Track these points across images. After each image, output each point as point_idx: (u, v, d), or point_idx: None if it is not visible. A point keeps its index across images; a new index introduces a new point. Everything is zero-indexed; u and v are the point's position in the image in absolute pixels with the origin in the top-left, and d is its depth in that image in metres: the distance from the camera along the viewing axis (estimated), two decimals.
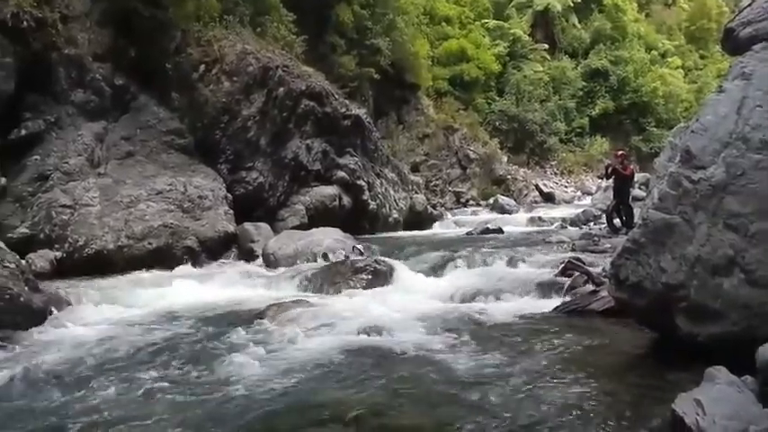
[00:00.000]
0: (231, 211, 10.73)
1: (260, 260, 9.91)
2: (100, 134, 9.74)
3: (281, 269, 9.00)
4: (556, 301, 6.30)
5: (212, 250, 10.05)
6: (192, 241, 9.69)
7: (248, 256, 10.27)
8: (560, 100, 35.70)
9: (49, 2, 9.32)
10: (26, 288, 5.66)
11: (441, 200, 22.27)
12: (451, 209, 21.79)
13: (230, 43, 12.19)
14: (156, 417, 3.51)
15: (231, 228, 10.48)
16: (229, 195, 11.05)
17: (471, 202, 23.75)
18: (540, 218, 17.13)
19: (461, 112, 27.56)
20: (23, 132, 8.88)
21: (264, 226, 11.13)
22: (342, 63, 18.73)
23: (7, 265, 5.57)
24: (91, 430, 3.38)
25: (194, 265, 9.49)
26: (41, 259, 8.09)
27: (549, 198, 26.50)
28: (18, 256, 6.22)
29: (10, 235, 7.92)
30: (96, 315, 6.22)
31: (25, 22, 8.71)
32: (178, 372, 4.34)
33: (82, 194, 8.94)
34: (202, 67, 11.68)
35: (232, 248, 10.49)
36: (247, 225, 10.89)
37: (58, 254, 8.38)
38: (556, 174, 32.92)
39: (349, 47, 19.47)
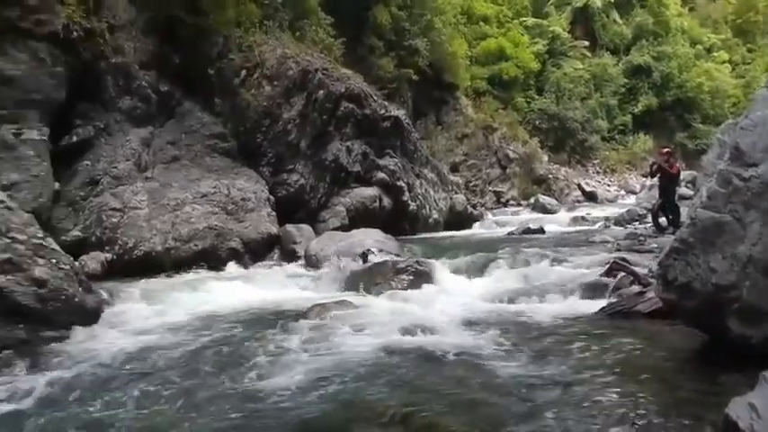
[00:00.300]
0: (274, 213, 10.89)
1: (302, 261, 10.01)
2: (147, 139, 10.02)
3: (323, 270, 9.08)
4: (601, 303, 6.18)
5: (256, 251, 10.21)
6: (236, 243, 9.87)
7: (291, 257, 10.39)
8: (602, 97, 35.07)
9: (97, 12, 9.61)
10: (80, 289, 5.83)
11: (481, 200, 22.13)
12: (492, 209, 21.64)
13: (270, 48, 12.38)
14: (202, 419, 3.60)
15: (274, 229, 10.64)
16: (272, 197, 11.23)
17: (512, 201, 23.55)
18: (582, 217, 16.87)
19: (500, 112, 27.36)
20: (75, 139, 9.19)
21: (306, 227, 11.26)
22: (380, 65, 18.81)
23: (62, 266, 5.75)
24: None
25: (238, 266, 9.66)
26: (93, 261, 8.34)
27: (591, 197, 26.10)
28: (72, 258, 6.43)
29: (64, 238, 8.16)
30: (145, 315, 6.39)
31: (75, 33, 8.99)
32: (221, 374, 4.41)
33: (130, 198, 9.20)
34: (244, 72, 11.88)
35: (275, 249, 10.65)
36: (289, 226, 11.04)
37: (109, 255, 8.62)
38: (598, 172, 32.36)
39: (387, 48, 19.53)
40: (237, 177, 10.78)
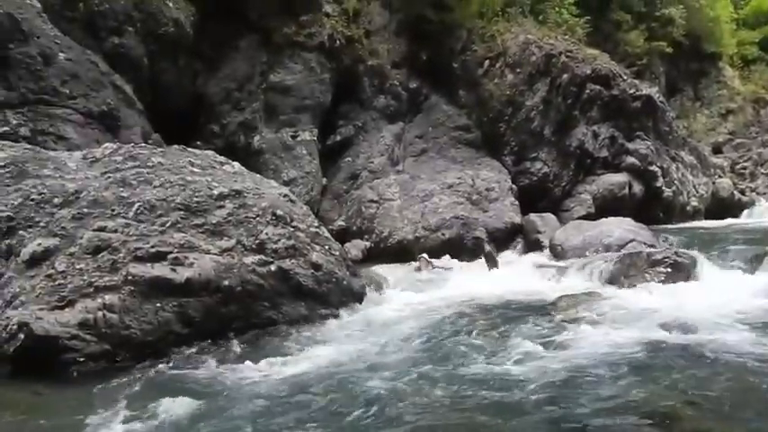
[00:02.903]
0: (517, 203, 10.88)
1: (546, 251, 9.86)
2: (398, 135, 10.80)
3: (570, 260, 8.85)
4: None
5: (499, 241, 10.30)
6: (480, 232, 10.07)
7: (534, 246, 10.28)
8: None
9: (356, 20, 10.58)
10: (347, 273, 6.48)
11: (750, 184, 19.49)
12: (765, 194, 18.99)
13: (513, 36, 12.31)
14: (448, 403, 3.74)
15: (517, 219, 10.62)
16: (514, 187, 11.22)
17: None
18: None
19: None
20: (338, 138, 10.34)
21: (550, 216, 11.04)
22: (628, 40, 17.54)
23: (333, 252, 6.45)
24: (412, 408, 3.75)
25: (483, 255, 9.88)
26: (355, 248, 9.23)
27: None
28: (340, 245, 7.22)
29: (330, 227, 9.03)
30: (403, 299, 6.86)
31: (338, 42, 10.05)
32: (469, 359, 4.54)
33: (385, 190, 9.99)
34: (486, 62, 12.02)
35: (518, 239, 10.62)
36: (533, 216, 10.91)
37: (368, 243, 9.48)
38: None
39: (636, 21, 18.13)
40: (481, 168, 11.02)
